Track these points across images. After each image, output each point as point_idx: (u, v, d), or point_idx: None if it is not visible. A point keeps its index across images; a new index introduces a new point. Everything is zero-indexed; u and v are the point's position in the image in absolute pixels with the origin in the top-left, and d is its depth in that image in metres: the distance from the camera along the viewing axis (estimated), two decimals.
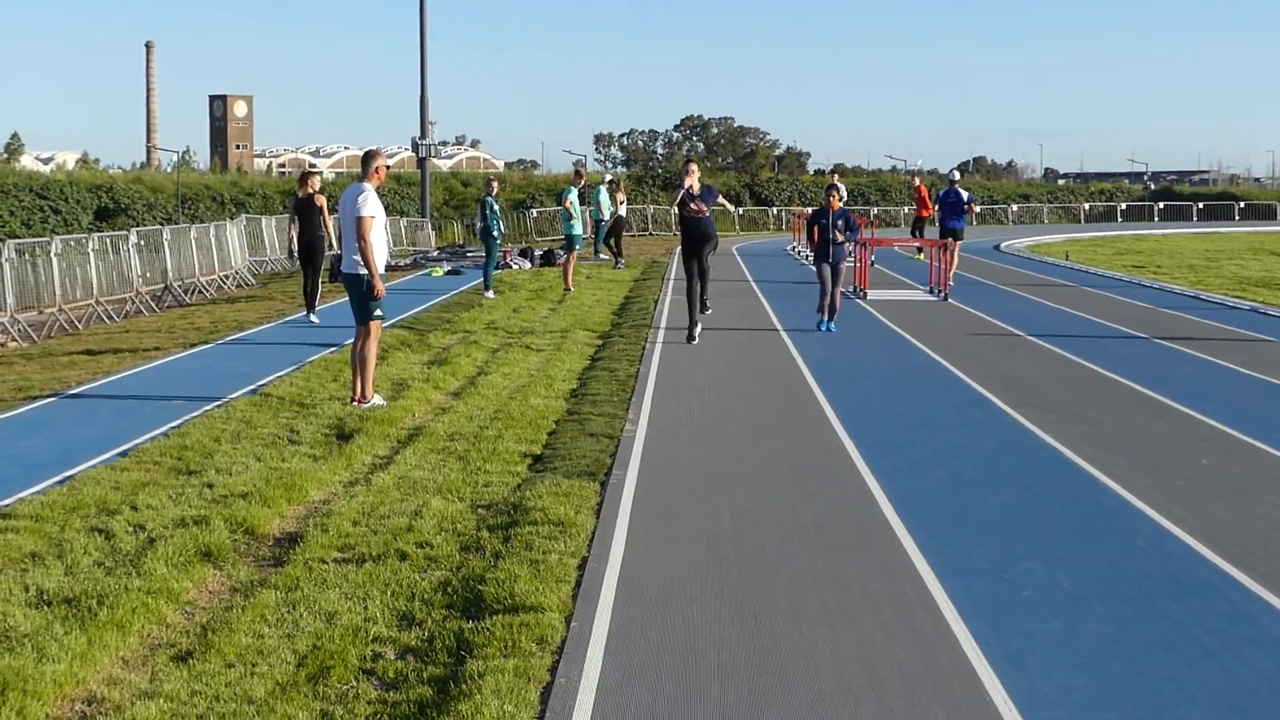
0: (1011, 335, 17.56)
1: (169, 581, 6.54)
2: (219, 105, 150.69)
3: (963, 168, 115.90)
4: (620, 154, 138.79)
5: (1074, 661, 5.66)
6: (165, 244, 25.50)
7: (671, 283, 24.99)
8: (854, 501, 8.40)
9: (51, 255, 21.57)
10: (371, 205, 11.46)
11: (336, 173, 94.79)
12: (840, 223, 17.55)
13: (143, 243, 24.96)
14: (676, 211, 16.54)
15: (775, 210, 64.41)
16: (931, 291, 23.54)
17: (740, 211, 61.92)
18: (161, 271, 25.37)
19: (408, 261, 33.15)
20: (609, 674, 5.49)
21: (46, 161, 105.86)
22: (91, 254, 22.79)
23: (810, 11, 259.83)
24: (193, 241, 27.07)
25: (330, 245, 19.00)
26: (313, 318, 18.59)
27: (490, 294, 22.54)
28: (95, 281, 22.63)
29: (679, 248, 19.01)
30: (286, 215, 26.99)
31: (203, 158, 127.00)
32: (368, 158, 11.87)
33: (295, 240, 18.93)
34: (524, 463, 9.43)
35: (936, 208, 27.29)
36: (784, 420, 11.25)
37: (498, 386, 12.72)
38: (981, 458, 9.76)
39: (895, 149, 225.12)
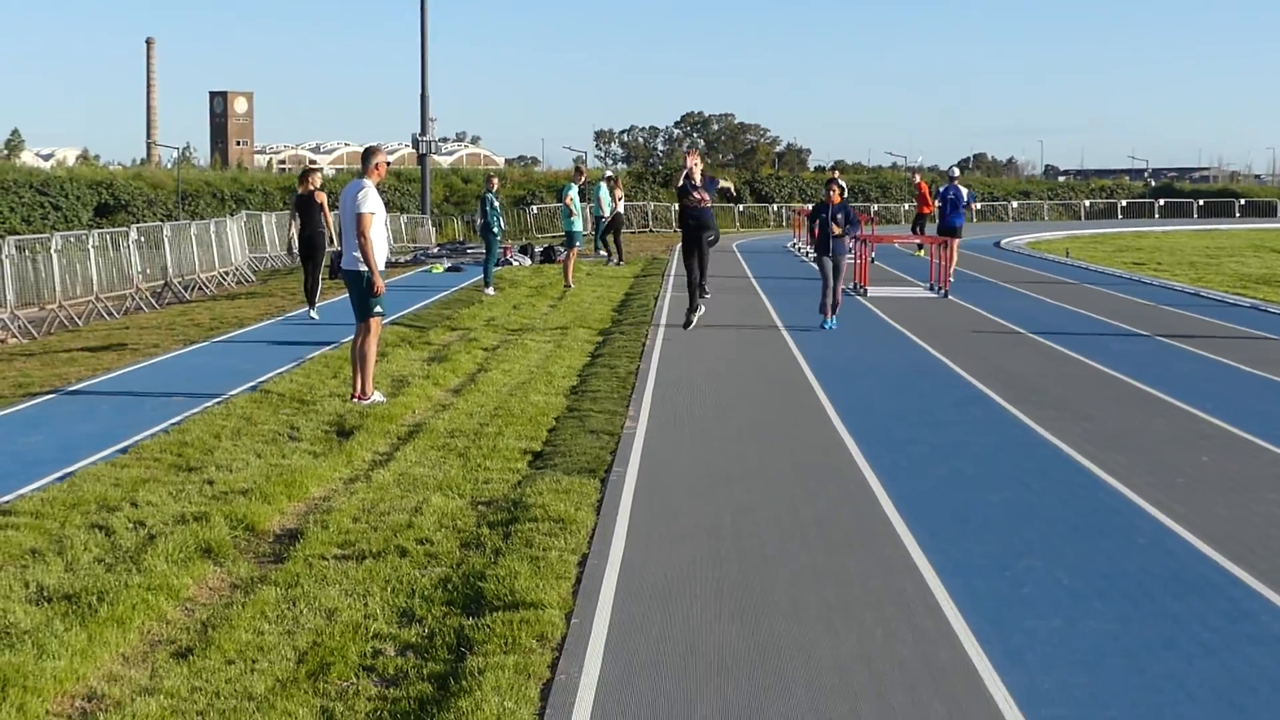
0: (1012, 332, 17.56)
1: (169, 578, 6.54)
2: (219, 101, 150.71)
3: (963, 164, 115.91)
4: (621, 150, 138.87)
5: (1074, 659, 5.66)
6: (165, 240, 25.50)
7: (672, 279, 24.98)
8: (854, 499, 8.40)
9: (52, 252, 21.57)
10: (371, 202, 11.46)
11: (337, 169, 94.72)
12: (840, 216, 17.52)
13: (143, 239, 24.95)
14: (677, 208, 16.62)
15: (775, 207, 64.39)
16: (932, 289, 23.54)
17: (741, 207, 61.91)
18: (162, 268, 25.37)
19: (408, 258, 33.15)
20: (609, 671, 5.49)
21: (47, 158, 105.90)
22: (92, 250, 22.80)
23: (811, 8, 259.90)
24: (193, 238, 27.07)
25: (330, 241, 19.01)
26: (313, 313, 18.60)
27: (490, 291, 22.54)
28: (95, 278, 22.64)
29: (679, 244, 19.03)
30: (287, 212, 26.99)
31: (203, 154, 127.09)
32: (368, 154, 11.87)
33: (296, 237, 18.96)
34: (524, 459, 9.43)
35: (938, 204, 27.31)
36: (784, 417, 11.25)
37: (498, 383, 12.72)
38: (982, 455, 9.76)
39: (896, 146, 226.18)
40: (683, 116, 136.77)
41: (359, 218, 11.41)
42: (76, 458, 9.38)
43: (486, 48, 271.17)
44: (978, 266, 30.25)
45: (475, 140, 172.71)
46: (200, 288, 26.48)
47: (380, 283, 11.53)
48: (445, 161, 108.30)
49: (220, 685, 5.36)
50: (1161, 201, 75.77)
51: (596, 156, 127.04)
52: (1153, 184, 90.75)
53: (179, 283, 25.75)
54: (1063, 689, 5.33)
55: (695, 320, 17.03)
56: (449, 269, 28.76)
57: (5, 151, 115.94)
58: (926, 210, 31.49)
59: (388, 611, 6.23)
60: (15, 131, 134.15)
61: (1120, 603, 6.40)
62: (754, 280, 26.27)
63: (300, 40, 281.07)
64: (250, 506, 7.86)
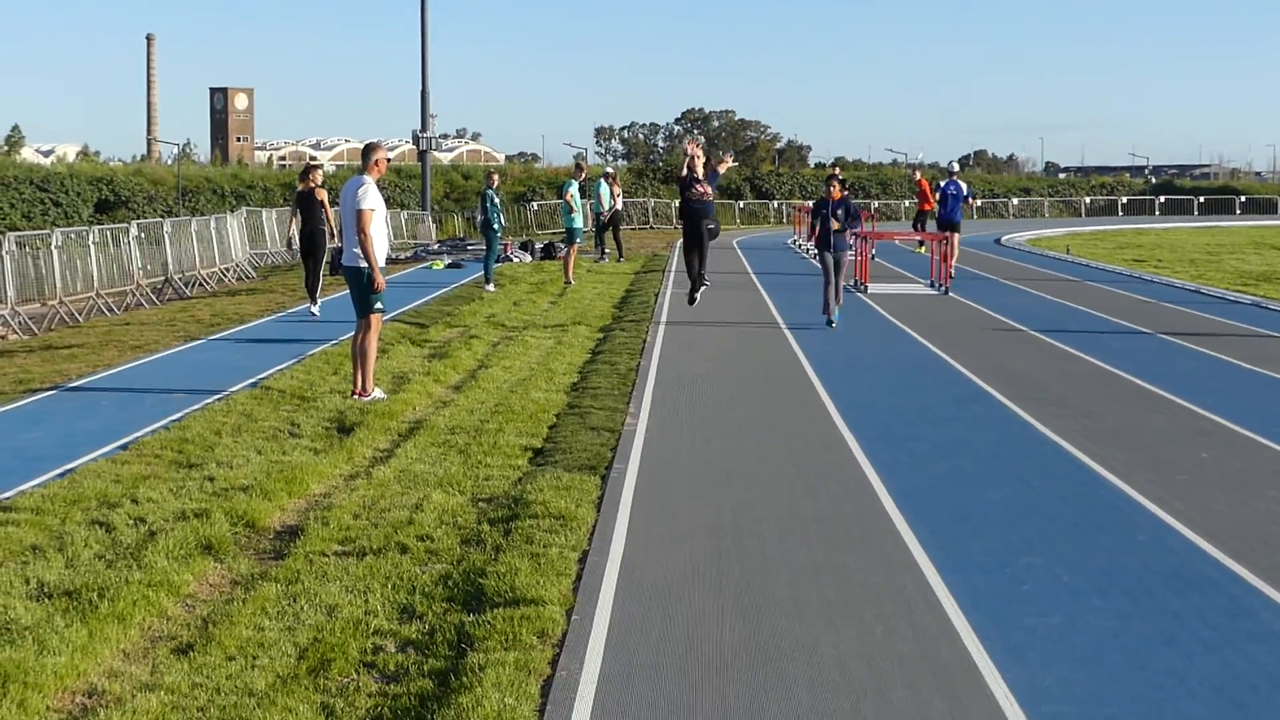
0: (1012, 329, 17.55)
1: (170, 574, 6.54)
2: (219, 98, 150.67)
3: (964, 162, 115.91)
4: (621, 147, 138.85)
5: (1074, 655, 5.66)
6: (166, 236, 25.50)
7: (673, 275, 24.98)
8: (855, 495, 8.40)
9: (52, 248, 21.58)
10: (371, 198, 11.45)
11: (337, 165, 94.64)
12: (840, 212, 17.45)
13: (143, 235, 24.96)
14: (678, 204, 16.71)
15: (776, 204, 64.38)
16: (932, 285, 23.54)
17: (741, 204, 61.90)
18: (162, 264, 25.38)
19: (408, 254, 33.14)
20: (610, 667, 5.49)
21: (47, 154, 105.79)
22: (92, 246, 22.80)
23: (812, 5, 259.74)
24: (193, 234, 27.07)
25: (331, 236, 19.04)
26: (313, 309, 18.61)
27: (491, 287, 22.54)
28: (96, 274, 22.64)
29: (680, 241, 19.04)
30: (287, 208, 27.01)
31: (203, 150, 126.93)
32: (368, 150, 11.87)
33: (297, 234, 19.05)
34: (525, 456, 9.43)
35: (938, 198, 27.31)
36: (785, 414, 11.25)
37: (498, 380, 12.72)
38: (982, 452, 9.76)
39: (896, 143, 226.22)
40: (683, 113, 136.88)
41: (359, 214, 11.41)
42: (77, 454, 9.38)
43: (487, 44, 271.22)
44: (978, 263, 30.24)
45: (476, 137, 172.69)
46: (201, 284, 26.48)
47: (380, 279, 11.53)
48: (446, 158, 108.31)
49: (221, 681, 5.36)
50: (1162, 198, 75.73)
51: (597, 153, 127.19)
52: (1153, 181, 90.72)
53: (179, 279, 25.75)
54: (1063, 685, 5.33)
55: (699, 297, 17.68)
56: (449, 265, 28.74)
57: (6, 147, 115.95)
58: (927, 207, 31.46)
59: (388, 608, 6.23)
60: (16, 127, 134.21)
61: (1120, 600, 6.40)
62: (754, 277, 26.26)
63: (301, 36, 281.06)
64: (251, 503, 7.86)
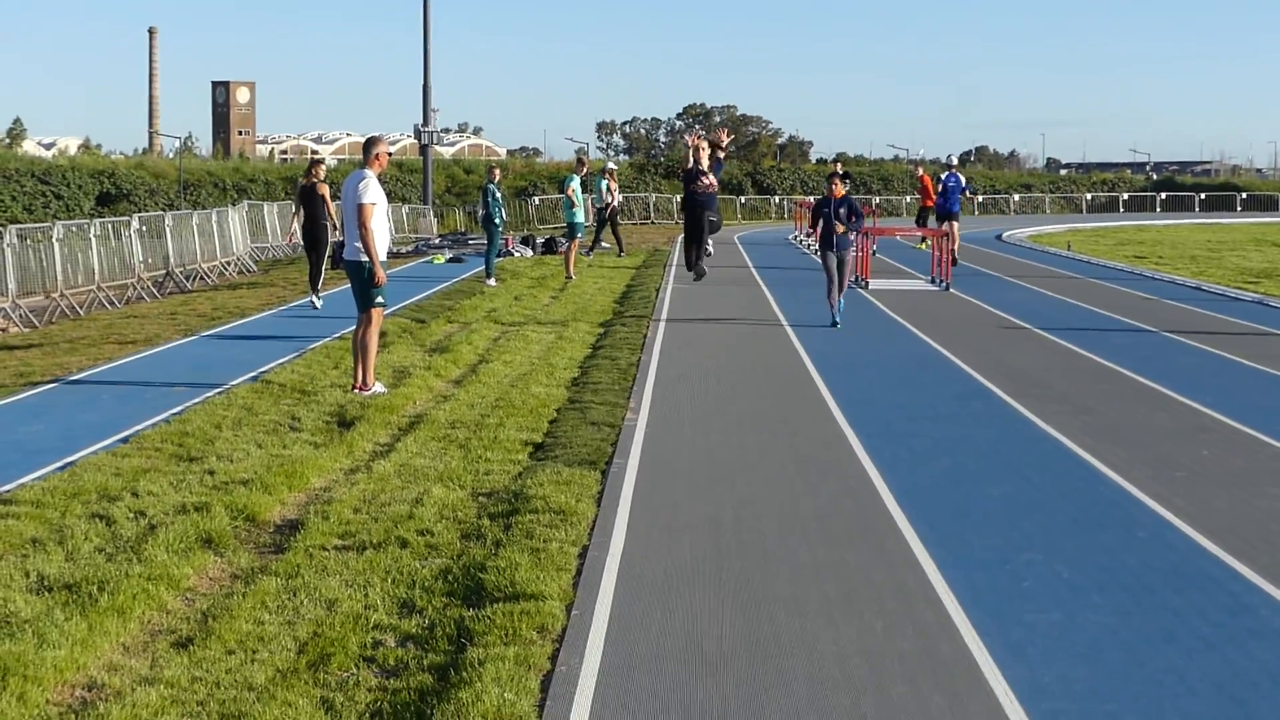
0: (1013, 326, 17.54)
1: (170, 568, 6.54)
2: (221, 91, 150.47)
3: (964, 157, 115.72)
4: (622, 142, 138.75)
5: (1074, 652, 5.66)
6: (167, 230, 25.50)
7: (674, 270, 24.97)
8: (855, 492, 8.40)
9: (53, 241, 21.57)
10: (373, 192, 11.45)
11: (339, 159, 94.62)
12: (843, 210, 17.20)
13: (144, 228, 24.95)
14: (680, 198, 16.75)
15: (777, 199, 64.37)
16: (933, 281, 23.52)
17: (743, 199, 61.88)
18: (163, 257, 25.37)
19: (410, 249, 33.14)
20: (610, 662, 5.49)
21: (49, 147, 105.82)
22: (93, 239, 22.79)
23: (814, 0, 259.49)
24: (194, 227, 27.06)
25: (334, 229, 19.08)
26: (315, 301, 18.64)
27: (492, 282, 22.53)
28: (97, 267, 22.64)
29: (681, 236, 19.04)
30: (288, 202, 27.01)
31: (205, 144, 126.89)
32: (369, 145, 11.86)
33: (299, 228, 19.15)
34: (525, 451, 9.43)
35: (938, 189, 27.31)
36: (785, 410, 11.24)
37: (499, 374, 12.72)
38: (983, 448, 9.75)
39: (897, 138, 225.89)
40: (685, 108, 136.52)
41: (360, 208, 11.40)
42: (77, 447, 9.39)
43: (489, 39, 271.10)
44: (979, 260, 30.23)
45: (477, 131, 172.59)
46: (202, 277, 26.48)
47: (381, 273, 11.53)
48: (447, 152, 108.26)
49: (220, 675, 5.36)
50: (1163, 195, 75.70)
51: (598, 148, 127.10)
52: (1154, 177, 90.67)
53: (180, 272, 25.75)
54: (1063, 682, 5.33)
55: (706, 270, 18.42)
56: (450, 260, 28.75)
57: (7, 140, 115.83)
58: (929, 203, 31.41)
59: (388, 602, 6.23)
60: (17, 120, 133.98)
61: (1120, 596, 6.40)
62: (755, 272, 26.25)
63: (303, 30, 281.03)
64: (251, 497, 7.86)
